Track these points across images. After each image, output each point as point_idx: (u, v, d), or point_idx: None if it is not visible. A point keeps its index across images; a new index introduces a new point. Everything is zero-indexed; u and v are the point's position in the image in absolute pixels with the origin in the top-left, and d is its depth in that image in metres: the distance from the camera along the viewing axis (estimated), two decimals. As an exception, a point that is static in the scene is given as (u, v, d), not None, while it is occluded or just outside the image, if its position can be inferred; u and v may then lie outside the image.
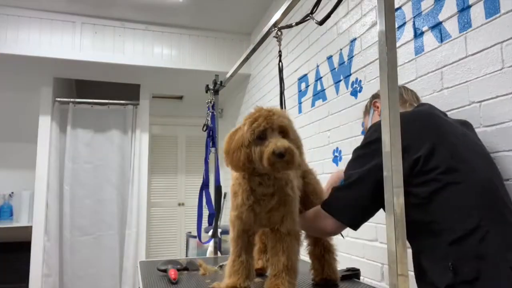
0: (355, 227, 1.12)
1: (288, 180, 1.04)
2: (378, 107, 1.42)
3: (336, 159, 2.20)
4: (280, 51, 1.46)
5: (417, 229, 1.02)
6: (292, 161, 0.92)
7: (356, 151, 1.16)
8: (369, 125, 1.36)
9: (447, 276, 0.95)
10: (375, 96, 1.46)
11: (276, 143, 0.91)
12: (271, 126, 0.94)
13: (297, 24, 1.42)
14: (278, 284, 0.99)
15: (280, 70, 1.45)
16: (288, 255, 1.01)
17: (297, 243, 1.04)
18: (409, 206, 0.99)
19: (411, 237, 1.05)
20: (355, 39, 2.06)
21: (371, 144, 1.10)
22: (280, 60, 1.46)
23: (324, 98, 2.36)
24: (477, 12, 1.33)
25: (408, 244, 0.71)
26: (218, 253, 2.19)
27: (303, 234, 1.17)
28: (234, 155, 0.97)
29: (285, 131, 0.96)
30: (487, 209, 0.99)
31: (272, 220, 1.04)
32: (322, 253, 1.22)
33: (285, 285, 0.99)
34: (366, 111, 1.52)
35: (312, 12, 1.32)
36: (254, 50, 1.70)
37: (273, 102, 3.11)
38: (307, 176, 1.25)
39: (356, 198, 1.09)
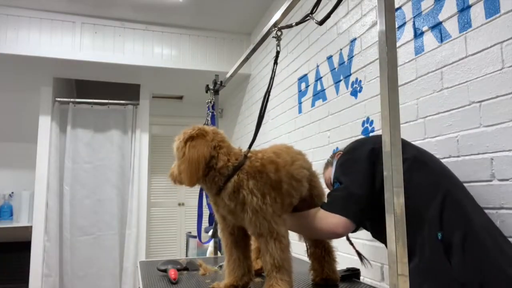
0: (358, 222, 1.16)
1: (225, 190, 1.03)
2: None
3: (336, 159, 2.20)
4: (278, 52, 1.45)
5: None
6: (179, 182, 1.09)
7: (340, 158, 1.27)
8: (332, 176, 1.37)
9: (438, 245, 1.04)
10: (338, 151, 1.55)
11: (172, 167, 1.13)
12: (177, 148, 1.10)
13: (297, 24, 1.42)
14: (272, 284, 1.00)
15: (273, 70, 1.44)
16: (270, 254, 1.01)
17: (274, 241, 1.02)
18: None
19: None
20: (355, 39, 2.06)
21: (353, 151, 1.24)
22: (275, 62, 1.44)
23: (324, 98, 2.36)
24: (477, 12, 1.33)
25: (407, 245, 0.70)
26: (218, 253, 2.19)
27: (294, 234, 1.19)
28: (195, 165, 1.06)
29: (183, 152, 1.05)
30: (450, 184, 1.15)
31: (236, 221, 1.07)
32: (322, 254, 1.22)
33: (278, 283, 0.99)
34: (329, 164, 1.59)
35: (312, 12, 1.32)
36: (254, 50, 1.70)
37: (273, 102, 3.11)
38: (313, 179, 1.26)
39: (351, 194, 1.14)
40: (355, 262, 1.84)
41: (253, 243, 1.20)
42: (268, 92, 1.41)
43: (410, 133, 1.60)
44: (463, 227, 1.05)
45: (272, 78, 1.41)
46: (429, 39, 1.55)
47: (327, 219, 1.13)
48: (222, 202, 1.04)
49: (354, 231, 1.16)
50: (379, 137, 1.22)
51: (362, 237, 1.91)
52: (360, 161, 1.17)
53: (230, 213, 1.05)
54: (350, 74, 2.09)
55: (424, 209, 1.09)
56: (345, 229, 1.13)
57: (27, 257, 3.53)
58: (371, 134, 1.87)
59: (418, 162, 1.17)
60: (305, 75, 2.62)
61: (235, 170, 1.02)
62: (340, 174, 1.20)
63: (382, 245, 1.78)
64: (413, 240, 1.09)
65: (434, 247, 1.05)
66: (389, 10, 0.68)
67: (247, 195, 1.01)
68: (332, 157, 1.58)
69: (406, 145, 1.23)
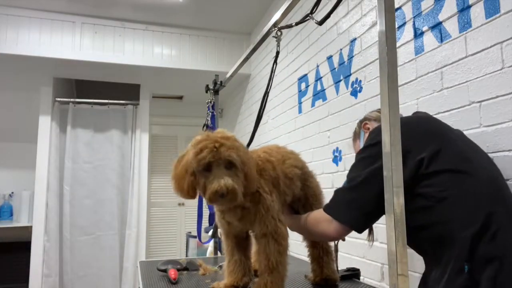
0: (360, 230, 1.07)
1: (246, 196, 1.00)
2: (368, 128, 1.43)
3: (336, 159, 2.20)
4: (277, 52, 1.45)
5: (427, 234, 0.99)
6: (234, 199, 0.91)
7: (358, 155, 1.11)
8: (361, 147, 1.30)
9: (462, 278, 0.89)
10: (363, 119, 1.48)
11: (220, 181, 0.88)
12: (217, 160, 0.90)
13: (297, 24, 1.42)
14: (260, 285, 1.00)
15: (273, 71, 1.44)
16: (266, 255, 1.01)
17: (275, 243, 1.02)
18: (418, 210, 0.98)
19: (420, 243, 1.03)
20: (355, 39, 2.06)
21: (373, 146, 1.05)
22: (275, 62, 1.44)
23: (324, 98, 2.36)
24: (477, 12, 1.33)
25: (406, 245, 0.70)
26: (218, 253, 2.18)
27: (295, 234, 1.18)
28: (180, 181, 0.95)
29: (233, 163, 0.92)
30: (496, 205, 0.95)
31: (245, 226, 1.06)
32: (321, 255, 1.22)
33: (267, 285, 0.99)
34: (356, 136, 1.51)
35: (312, 12, 1.32)
36: (254, 50, 1.70)
37: (273, 102, 3.11)
38: (307, 179, 1.25)
39: (360, 200, 1.03)
40: (355, 262, 1.84)
41: (254, 246, 1.20)
42: (267, 93, 1.41)
43: (410, 133, 1.60)
44: (498, 264, 0.87)
45: (271, 78, 1.41)
46: (429, 39, 1.55)
47: (323, 222, 1.08)
48: (233, 211, 1.02)
49: (360, 232, 1.09)
50: (415, 120, 1.14)
51: (362, 237, 1.90)
52: (379, 159, 0.94)
53: (239, 219, 1.04)
54: (350, 74, 2.09)
55: (456, 230, 0.93)
56: (340, 235, 1.09)
57: (27, 257, 3.53)
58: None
59: (460, 161, 1.00)
60: (305, 75, 2.62)
61: None
62: (354, 169, 1.08)
63: (382, 245, 1.77)
64: (433, 260, 1.01)
65: (456, 279, 0.90)
66: (389, 10, 0.68)
67: (263, 193, 1.03)
68: (360, 126, 1.50)
69: (436, 131, 1.06)
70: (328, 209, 1.09)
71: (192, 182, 0.93)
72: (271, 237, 1.02)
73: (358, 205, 1.03)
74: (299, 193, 1.21)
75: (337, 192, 1.10)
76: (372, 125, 1.44)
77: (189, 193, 0.94)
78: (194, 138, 0.96)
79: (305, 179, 1.24)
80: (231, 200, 0.91)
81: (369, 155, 1.05)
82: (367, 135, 1.38)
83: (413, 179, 0.99)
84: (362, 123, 1.47)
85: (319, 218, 1.12)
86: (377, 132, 1.06)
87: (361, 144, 1.37)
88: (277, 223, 1.03)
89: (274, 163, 1.10)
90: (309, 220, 1.15)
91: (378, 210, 1.01)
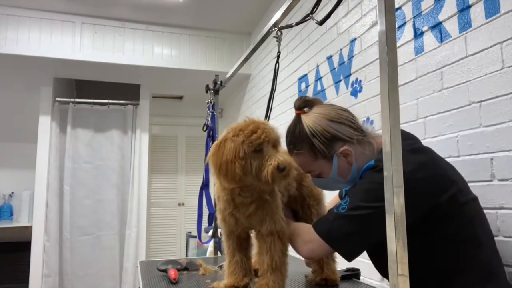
0: (350, 259, 1.02)
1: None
2: (348, 154, 1.09)
3: (336, 159, 2.20)
4: (279, 52, 1.45)
5: (454, 245, 0.99)
6: (289, 175, 0.93)
7: (368, 181, 1.00)
8: (333, 173, 1.10)
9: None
10: (333, 140, 1.08)
11: (279, 158, 0.91)
12: (268, 139, 0.93)
13: (297, 24, 1.42)
14: (262, 285, 1.00)
15: (276, 72, 1.45)
16: (270, 255, 1.01)
17: (280, 242, 1.03)
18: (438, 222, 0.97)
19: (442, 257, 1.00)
20: (355, 39, 2.06)
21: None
22: (277, 61, 1.45)
23: (324, 98, 2.36)
24: (477, 12, 1.33)
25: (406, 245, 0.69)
26: (218, 253, 2.18)
27: None
28: (228, 167, 0.93)
29: (277, 144, 0.96)
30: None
31: (252, 223, 1.05)
32: None
33: (269, 285, 0.99)
34: (322, 158, 1.10)
35: (312, 12, 1.32)
36: (254, 50, 1.70)
37: (273, 102, 3.10)
38: (304, 178, 1.25)
39: (359, 233, 0.97)
40: (355, 262, 1.84)
41: (255, 247, 1.20)
42: (272, 94, 1.42)
43: (410, 133, 1.60)
44: None
45: (275, 79, 1.42)
46: (429, 39, 1.55)
47: (319, 245, 1.01)
48: (248, 206, 1.02)
49: (349, 261, 1.03)
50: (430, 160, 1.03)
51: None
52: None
53: (249, 216, 1.03)
54: (350, 74, 2.09)
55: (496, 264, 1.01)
56: (324, 255, 1.09)
57: (27, 257, 3.53)
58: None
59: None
60: (305, 75, 2.62)
61: None
62: (355, 195, 0.99)
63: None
64: None
65: None
66: (389, 10, 0.68)
67: (276, 190, 1.04)
68: (329, 146, 1.10)
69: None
70: (324, 234, 1.01)
71: (243, 166, 0.92)
72: (277, 236, 1.02)
73: (356, 238, 0.97)
74: (294, 193, 1.22)
75: (335, 216, 1.00)
76: (353, 153, 1.09)
77: (241, 178, 0.93)
78: (230, 126, 0.98)
79: (301, 178, 1.24)
80: (286, 176, 0.93)
81: (377, 189, 0.82)
82: (343, 160, 1.10)
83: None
84: (340, 147, 1.09)
85: (309, 236, 1.04)
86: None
87: (333, 169, 1.10)
88: (282, 222, 1.05)
89: None
90: (297, 232, 1.09)
91: (373, 243, 0.99)
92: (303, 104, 1.13)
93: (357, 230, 0.97)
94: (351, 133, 1.09)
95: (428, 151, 1.07)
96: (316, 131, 1.07)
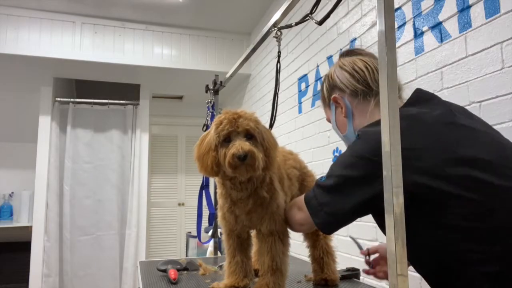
0: (325, 230, 0.96)
1: (263, 182, 1.02)
2: (339, 104, 1.09)
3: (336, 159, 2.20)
4: (279, 52, 1.45)
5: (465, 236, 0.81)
6: (253, 164, 0.91)
7: (351, 151, 0.92)
8: (332, 122, 1.14)
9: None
10: (332, 87, 1.11)
11: (238, 146, 0.90)
12: (236, 129, 0.94)
13: (297, 24, 1.42)
14: (262, 285, 1.00)
15: (278, 71, 1.45)
16: (271, 256, 1.02)
17: (281, 243, 1.03)
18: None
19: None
20: (355, 39, 2.06)
21: (367, 161, 0.84)
22: (278, 61, 1.45)
23: (324, 98, 2.36)
24: (477, 12, 1.33)
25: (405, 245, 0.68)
26: (218, 253, 2.18)
27: (296, 234, 1.18)
28: (204, 159, 0.97)
29: (251, 134, 0.95)
30: None
31: (252, 221, 1.05)
32: (321, 255, 1.22)
33: (269, 285, 0.99)
34: (325, 104, 1.20)
35: (311, 12, 1.32)
36: (254, 50, 1.70)
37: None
38: (305, 178, 1.25)
39: (331, 203, 0.90)
40: (355, 262, 1.84)
41: (254, 246, 1.20)
42: (276, 94, 1.42)
43: (410, 133, 1.60)
44: None
45: (277, 80, 1.42)
46: (429, 39, 1.55)
47: (300, 211, 0.99)
48: (245, 201, 1.02)
49: (327, 233, 1.02)
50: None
51: (362, 237, 1.91)
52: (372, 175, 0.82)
53: (248, 212, 1.03)
54: (350, 74, 2.09)
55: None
56: (305, 226, 1.02)
57: (27, 257, 3.54)
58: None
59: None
60: (305, 75, 2.62)
61: None
62: (338, 166, 0.92)
63: (382, 245, 1.77)
64: None
65: None
66: (389, 10, 0.68)
67: (277, 189, 1.04)
68: (329, 93, 1.17)
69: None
70: (306, 199, 0.98)
71: (214, 157, 0.95)
72: (277, 236, 1.03)
73: (335, 210, 0.90)
74: (296, 193, 1.22)
75: (320, 186, 0.95)
76: (343, 99, 1.07)
77: (213, 169, 0.96)
78: (217, 116, 1.00)
79: (303, 179, 1.25)
80: (251, 166, 0.91)
81: (357, 164, 0.86)
82: (339, 111, 1.10)
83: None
84: (332, 93, 1.11)
85: (296, 203, 1.04)
86: (375, 146, 0.78)
87: (332, 118, 1.12)
88: (283, 222, 1.04)
89: (279, 163, 1.11)
90: (292, 202, 1.08)
91: (354, 217, 0.92)
92: (344, 54, 1.14)
93: (329, 200, 0.90)
94: (349, 82, 1.04)
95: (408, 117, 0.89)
96: (326, 76, 1.13)
